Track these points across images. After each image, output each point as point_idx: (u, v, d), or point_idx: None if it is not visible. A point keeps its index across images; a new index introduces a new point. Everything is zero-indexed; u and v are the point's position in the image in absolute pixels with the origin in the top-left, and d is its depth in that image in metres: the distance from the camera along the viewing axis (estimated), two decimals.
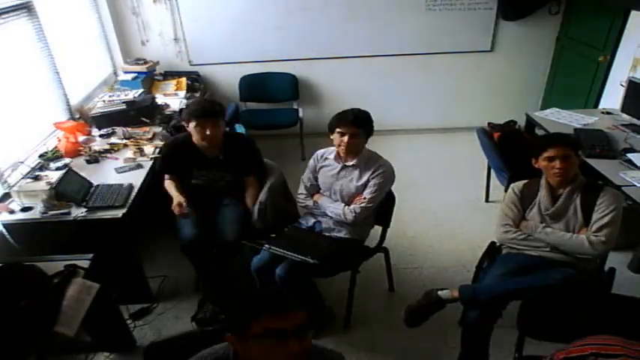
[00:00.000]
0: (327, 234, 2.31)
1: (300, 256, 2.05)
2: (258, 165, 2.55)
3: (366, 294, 2.57)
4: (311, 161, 2.41)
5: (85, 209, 2.28)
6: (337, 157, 2.30)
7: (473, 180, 3.69)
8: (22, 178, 2.52)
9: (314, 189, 2.40)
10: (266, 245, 2.16)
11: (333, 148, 2.32)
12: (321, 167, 2.36)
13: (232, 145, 2.45)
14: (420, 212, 3.36)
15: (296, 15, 4.07)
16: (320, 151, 2.40)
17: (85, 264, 1.91)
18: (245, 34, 4.01)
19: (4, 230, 2.23)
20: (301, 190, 2.43)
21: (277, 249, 2.12)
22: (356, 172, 2.26)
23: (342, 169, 2.29)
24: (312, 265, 2.02)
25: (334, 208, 2.27)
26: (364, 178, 2.23)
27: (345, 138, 2.16)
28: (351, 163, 2.26)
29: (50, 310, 1.67)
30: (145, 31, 4.14)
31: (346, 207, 2.24)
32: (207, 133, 2.29)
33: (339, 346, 2.31)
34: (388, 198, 2.35)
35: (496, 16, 4.11)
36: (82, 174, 2.53)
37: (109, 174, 2.64)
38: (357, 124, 2.16)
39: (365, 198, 2.21)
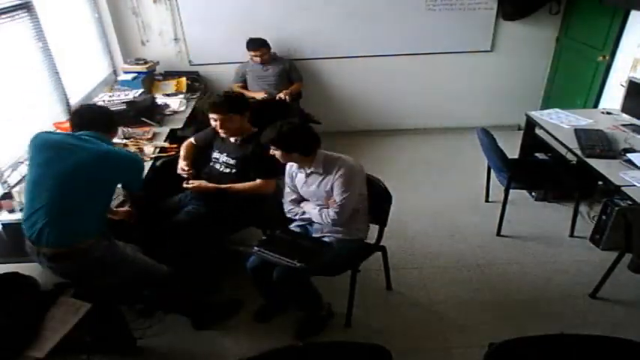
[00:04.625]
0: (320, 237, 2.31)
1: (287, 260, 2.06)
2: (265, 167, 2.48)
3: (365, 293, 2.57)
4: (286, 175, 2.39)
5: None
6: (300, 165, 2.28)
7: (473, 180, 3.69)
8: (23, 178, 2.51)
9: (298, 197, 2.39)
10: (255, 248, 2.18)
11: None
12: (296, 177, 2.35)
13: (251, 141, 2.50)
14: (420, 212, 3.36)
15: (296, 15, 4.07)
16: (288, 165, 2.36)
17: None
18: (245, 34, 4.00)
19: (3, 231, 2.23)
20: (286, 201, 2.41)
21: (266, 252, 2.14)
22: (319, 178, 2.23)
23: (307, 176, 2.27)
24: (304, 268, 2.04)
25: (315, 215, 2.27)
26: (329, 183, 2.20)
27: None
28: (309, 171, 2.24)
29: (27, 332, 1.66)
30: (145, 31, 4.14)
31: (323, 212, 2.22)
32: (217, 123, 2.43)
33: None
34: (384, 197, 2.33)
35: (496, 16, 4.11)
36: None
37: None
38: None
39: (336, 202, 2.19)
